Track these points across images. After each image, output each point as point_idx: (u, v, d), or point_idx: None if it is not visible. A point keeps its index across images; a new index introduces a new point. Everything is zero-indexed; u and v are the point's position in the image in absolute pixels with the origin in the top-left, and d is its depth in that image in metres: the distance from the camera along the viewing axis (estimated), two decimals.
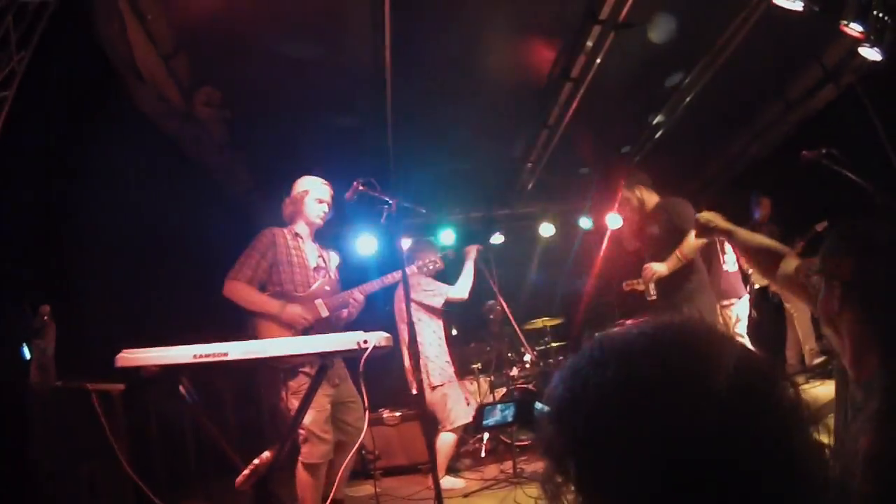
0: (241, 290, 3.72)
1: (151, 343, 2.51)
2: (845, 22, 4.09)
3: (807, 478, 0.63)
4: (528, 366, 6.42)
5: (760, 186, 6.71)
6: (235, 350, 2.52)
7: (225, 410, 4.71)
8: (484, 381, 6.52)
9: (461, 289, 5.24)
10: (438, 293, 5.22)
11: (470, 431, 5.69)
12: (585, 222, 7.98)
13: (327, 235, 4.52)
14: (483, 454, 5.97)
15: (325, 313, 3.83)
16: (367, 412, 2.96)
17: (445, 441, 4.99)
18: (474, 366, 6.61)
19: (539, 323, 6.85)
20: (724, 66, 5.20)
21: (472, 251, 5.31)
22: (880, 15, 4.08)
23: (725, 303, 5.61)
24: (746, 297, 5.78)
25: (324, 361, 2.66)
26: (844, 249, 1.48)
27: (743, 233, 2.41)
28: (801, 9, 4.04)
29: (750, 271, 5.53)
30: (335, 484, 3.82)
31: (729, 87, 5.55)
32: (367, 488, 5.10)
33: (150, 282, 4.86)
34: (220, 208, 5.26)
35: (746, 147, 7.30)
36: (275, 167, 5.58)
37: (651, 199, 4.83)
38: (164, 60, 4.31)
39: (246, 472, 2.61)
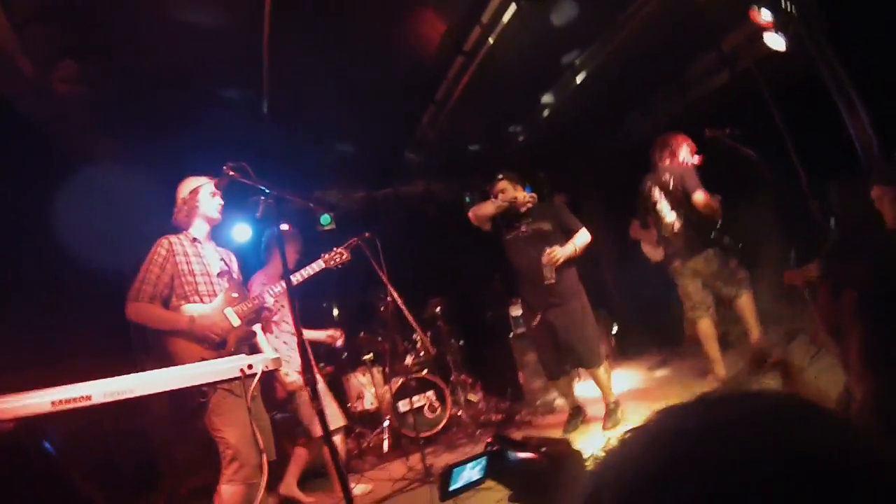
0: (145, 311, 3.35)
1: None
2: (756, 8, 4.22)
3: None
4: (422, 353, 6.20)
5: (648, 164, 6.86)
6: (99, 391, 2.13)
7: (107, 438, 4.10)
8: (377, 373, 6.26)
9: None
10: None
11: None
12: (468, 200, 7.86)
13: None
14: (385, 449, 5.72)
15: (236, 323, 3.48)
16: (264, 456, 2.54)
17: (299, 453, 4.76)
18: (366, 357, 6.37)
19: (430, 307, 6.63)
20: (622, 45, 5.13)
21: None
22: (789, 7, 4.24)
23: (678, 262, 5.04)
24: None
25: (201, 397, 2.28)
26: (864, 257, 1.34)
27: None
28: None
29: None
30: None
31: (625, 65, 5.49)
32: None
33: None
34: (93, 204, 4.57)
35: (638, 124, 7.35)
36: (144, 154, 5.14)
37: (524, 196, 4.96)
38: (17, 28, 3.68)
39: None
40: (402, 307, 5.81)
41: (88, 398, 2.10)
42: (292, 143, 5.60)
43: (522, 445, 1.18)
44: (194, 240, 3.62)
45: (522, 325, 6.66)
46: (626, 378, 6.32)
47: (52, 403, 2.03)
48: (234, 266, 3.85)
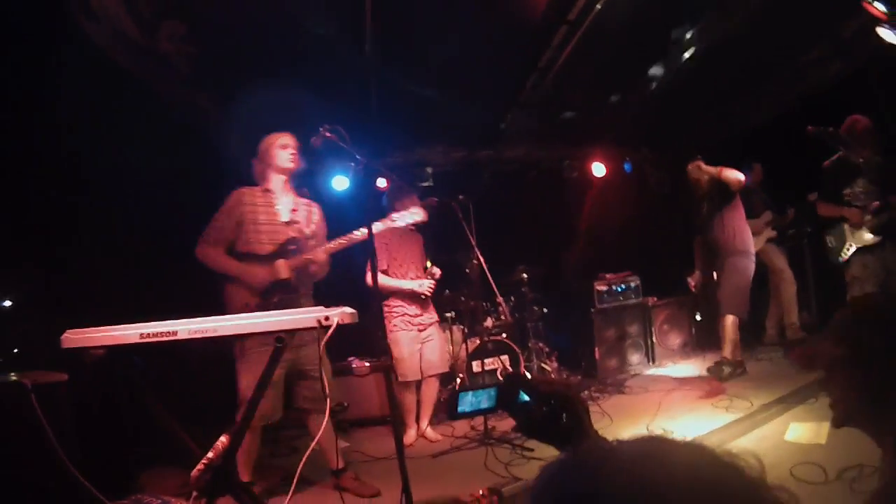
0: (207, 253, 3.75)
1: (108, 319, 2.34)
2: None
3: None
4: (502, 317, 6.27)
5: (754, 152, 6.72)
6: (184, 328, 2.32)
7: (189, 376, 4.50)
8: (457, 331, 6.39)
9: None
10: None
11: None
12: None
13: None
14: None
15: (284, 275, 3.74)
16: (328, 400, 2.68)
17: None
18: (448, 314, 6.48)
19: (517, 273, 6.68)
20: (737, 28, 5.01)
21: None
22: None
23: None
24: None
25: (278, 343, 2.43)
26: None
27: None
28: None
29: None
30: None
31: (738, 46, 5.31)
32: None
33: (104, 243, 4.57)
34: (190, 154, 4.87)
35: (747, 113, 7.08)
36: (244, 110, 5.26)
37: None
38: None
39: (200, 467, 2.40)
40: (486, 271, 5.90)
41: (174, 333, 2.31)
42: (395, 100, 5.67)
43: (530, 387, 1.29)
44: (266, 191, 3.89)
45: (606, 301, 6.65)
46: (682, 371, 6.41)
47: (141, 335, 2.25)
48: (314, 217, 4.03)
